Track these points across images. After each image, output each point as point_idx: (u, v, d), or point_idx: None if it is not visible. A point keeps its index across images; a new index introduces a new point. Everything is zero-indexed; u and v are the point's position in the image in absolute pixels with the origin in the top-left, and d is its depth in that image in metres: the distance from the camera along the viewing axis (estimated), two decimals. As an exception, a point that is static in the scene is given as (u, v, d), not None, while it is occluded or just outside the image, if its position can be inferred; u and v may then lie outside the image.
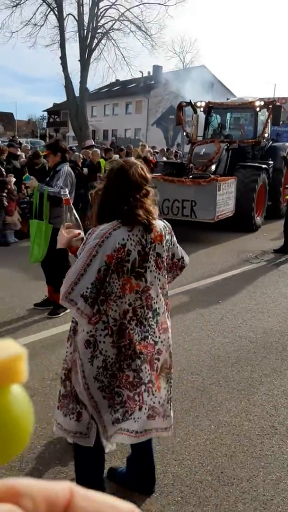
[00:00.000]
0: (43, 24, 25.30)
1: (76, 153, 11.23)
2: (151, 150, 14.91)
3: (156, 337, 2.26)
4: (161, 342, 2.30)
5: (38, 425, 3.15)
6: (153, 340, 2.24)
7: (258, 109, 11.64)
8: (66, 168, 5.09)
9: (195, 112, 12.12)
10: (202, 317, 5.30)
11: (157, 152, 16.08)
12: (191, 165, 11.11)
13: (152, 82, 45.58)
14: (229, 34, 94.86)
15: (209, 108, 12.46)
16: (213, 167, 10.71)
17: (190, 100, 12.26)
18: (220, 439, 3.09)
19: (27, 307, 5.40)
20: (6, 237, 8.94)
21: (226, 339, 4.73)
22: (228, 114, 12.94)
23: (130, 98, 47.66)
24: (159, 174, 10.56)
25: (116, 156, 12.74)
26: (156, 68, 48.47)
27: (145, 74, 47.19)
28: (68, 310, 5.36)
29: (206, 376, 3.93)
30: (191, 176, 10.05)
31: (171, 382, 2.40)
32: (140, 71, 41.38)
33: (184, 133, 12.57)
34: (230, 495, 2.59)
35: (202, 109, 12.31)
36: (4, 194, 8.78)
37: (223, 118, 12.82)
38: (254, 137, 11.83)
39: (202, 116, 12.57)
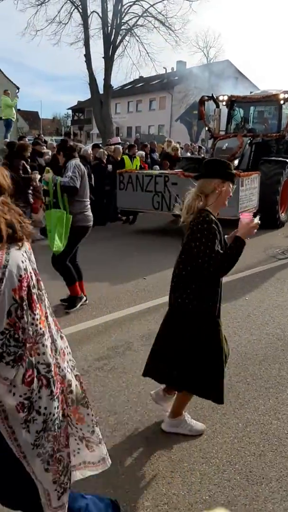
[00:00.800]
0: (67, 22, 25.47)
1: (101, 150, 11.25)
2: (177, 145, 14.82)
3: (63, 368, 1.74)
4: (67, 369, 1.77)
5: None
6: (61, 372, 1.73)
7: (282, 102, 11.34)
8: (74, 161, 5.18)
9: (217, 106, 11.96)
10: (229, 314, 5.23)
11: (181, 148, 15.97)
12: None
13: (176, 78, 45.33)
14: (253, 27, 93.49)
15: (232, 102, 12.24)
16: (236, 162, 10.52)
17: (212, 94, 12.08)
18: (248, 437, 3.04)
19: (53, 303, 5.43)
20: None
21: (253, 336, 4.65)
22: (252, 108, 12.68)
23: (154, 95, 47.52)
24: (180, 170, 10.47)
25: (142, 153, 12.71)
26: (180, 64, 48.23)
27: (169, 70, 46.93)
28: (84, 300, 5.39)
29: (233, 374, 3.87)
30: None
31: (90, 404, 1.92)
32: (164, 67, 41.10)
33: (207, 128, 12.41)
34: (259, 495, 2.54)
35: (224, 103, 12.10)
36: (30, 191, 8.85)
37: (246, 112, 12.56)
38: (278, 131, 11.54)
39: (224, 111, 12.39)
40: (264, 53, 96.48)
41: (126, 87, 50.62)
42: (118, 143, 13.45)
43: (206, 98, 11.96)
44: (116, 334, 4.63)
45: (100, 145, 13.67)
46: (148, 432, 3.07)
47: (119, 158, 11.17)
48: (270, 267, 7.23)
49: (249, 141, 10.84)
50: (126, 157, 10.94)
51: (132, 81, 46.46)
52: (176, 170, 10.76)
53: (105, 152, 10.98)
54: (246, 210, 8.91)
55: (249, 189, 9.19)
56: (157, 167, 13.00)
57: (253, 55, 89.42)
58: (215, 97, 11.87)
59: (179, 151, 14.71)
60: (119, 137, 17.15)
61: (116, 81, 62.56)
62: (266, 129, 12.07)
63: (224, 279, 6.50)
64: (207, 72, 41.87)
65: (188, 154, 15.14)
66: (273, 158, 10.83)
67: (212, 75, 42.30)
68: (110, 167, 10.89)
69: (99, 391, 3.56)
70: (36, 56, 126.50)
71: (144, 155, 12.85)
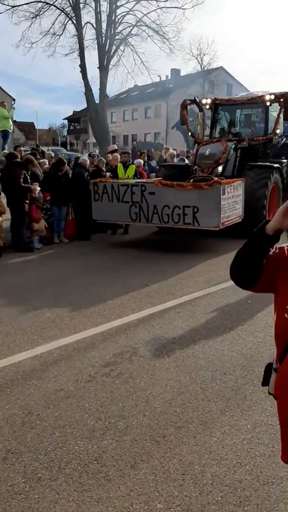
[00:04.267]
0: (62, 34, 25.74)
1: (101, 158, 11.32)
2: (174, 152, 14.87)
3: None
4: None
5: (74, 427, 3.17)
6: None
7: (268, 103, 10.62)
8: None
9: (201, 110, 11.22)
10: (232, 318, 5.26)
11: (177, 154, 16.05)
12: (195, 167, 10.23)
13: (171, 85, 45.64)
14: (246, 34, 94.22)
15: (216, 105, 11.51)
16: (220, 168, 9.89)
17: (195, 97, 11.39)
18: (257, 438, 3.05)
19: (57, 311, 5.45)
20: (32, 243, 9.07)
21: (257, 338, 4.67)
22: (238, 111, 11.94)
23: (149, 103, 47.83)
24: (159, 178, 9.89)
25: (140, 161, 12.76)
26: (174, 72, 48.57)
27: (163, 78, 47.27)
28: None
29: (240, 376, 3.89)
30: (192, 180, 9.14)
31: None
32: (158, 75, 41.43)
33: (189, 134, 11.68)
34: (270, 495, 2.55)
35: (208, 106, 11.37)
36: (27, 201, 8.88)
37: (232, 115, 11.88)
38: (265, 134, 10.88)
39: (210, 115, 11.71)
40: (258, 58, 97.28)
41: (122, 96, 50.91)
42: (115, 150, 13.51)
43: (189, 102, 11.32)
44: (121, 340, 4.65)
45: (93, 153, 13.80)
46: (157, 435, 3.09)
47: (103, 168, 10.94)
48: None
49: (233, 145, 10.17)
50: (120, 165, 10.69)
51: (127, 89, 46.81)
52: (154, 179, 10.17)
53: (103, 160, 11.01)
54: (229, 220, 8.42)
55: (232, 197, 8.48)
56: (154, 174, 12.98)
57: (247, 61, 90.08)
58: (198, 100, 11.21)
59: (175, 158, 14.76)
60: (115, 145, 17.27)
61: (112, 90, 62.89)
62: (253, 132, 11.34)
63: (227, 283, 6.57)
64: (201, 79, 42.21)
65: (186, 161, 15.17)
66: (259, 163, 10.24)
67: (206, 82, 42.64)
68: (108, 174, 10.93)
69: (107, 396, 3.57)
70: (31, 67, 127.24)
71: (142, 163, 12.92)
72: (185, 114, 11.33)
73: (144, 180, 9.64)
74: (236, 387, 3.71)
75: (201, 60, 44.20)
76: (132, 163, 11.23)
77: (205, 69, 43.83)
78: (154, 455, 2.89)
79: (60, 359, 4.24)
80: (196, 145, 11.03)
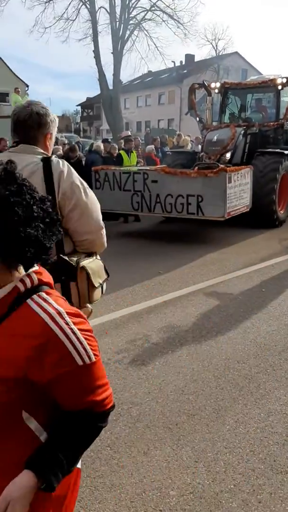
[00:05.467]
0: (75, 19, 25.53)
1: (114, 145, 11.25)
2: (188, 138, 14.71)
3: None
4: None
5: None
6: None
7: (280, 87, 10.14)
8: None
9: (209, 94, 10.82)
10: (246, 306, 5.22)
11: (192, 141, 15.91)
12: (202, 154, 9.93)
13: (185, 71, 45.10)
14: (262, 18, 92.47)
15: (225, 90, 11.04)
16: (228, 155, 9.57)
17: (203, 81, 10.99)
18: (271, 427, 3.04)
19: (70, 298, 5.47)
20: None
21: (271, 327, 4.64)
22: (248, 96, 11.50)
23: (163, 89, 47.35)
24: (164, 165, 9.56)
25: (152, 147, 12.68)
26: (189, 57, 47.96)
27: (177, 64, 46.72)
28: None
29: (253, 365, 3.87)
30: (196, 167, 8.73)
31: None
32: (172, 61, 40.94)
33: (197, 119, 11.17)
34: (284, 484, 2.54)
35: (217, 90, 10.95)
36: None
37: (242, 100, 11.45)
38: (277, 119, 10.38)
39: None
40: (274, 43, 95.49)
41: (135, 82, 50.48)
42: (129, 137, 13.43)
43: (197, 86, 10.95)
44: (134, 328, 4.65)
45: (110, 139, 13.66)
46: (170, 422, 3.09)
47: (115, 154, 10.73)
48: (285, 259, 7.18)
49: (242, 131, 9.74)
50: (123, 152, 10.48)
51: (141, 75, 46.39)
52: (157, 166, 9.74)
53: (115, 146, 10.92)
54: (236, 210, 8.05)
55: (239, 185, 8.08)
56: None
57: (263, 46, 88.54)
58: (207, 84, 10.80)
59: (189, 145, 14.63)
60: (129, 131, 17.18)
61: (125, 76, 62.35)
62: (263, 118, 10.88)
63: (241, 271, 6.52)
64: (216, 64, 41.63)
65: (199, 147, 15.02)
66: (269, 150, 9.75)
67: (221, 67, 42.03)
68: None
69: (120, 383, 3.58)
70: (44, 53, 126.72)
71: (154, 149, 12.83)
72: (193, 98, 11.00)
73: (147, 168, 9.27)
74: (250, 376, 3.69)
75: (216, 45, 43.62)
76: (136, 150, 11.06)
77: (220, 54, 43.23)
78: (167, 442, 2.89)
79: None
80: (204, 131, 10.66)
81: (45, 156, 2.09)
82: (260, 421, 3.11)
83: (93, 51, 24.64)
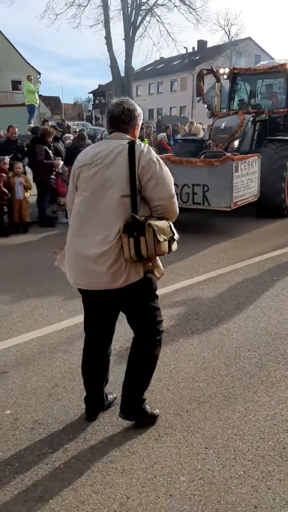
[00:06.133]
0: (87, 4, 25.29)
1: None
2: (200, 126, 14.58)
3: None
4: None
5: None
6: None
7: None
8: None
9: (218, 80, 10.53)
10: (257, 294, 5.21)
11: (204, 128, 15.78)
12: (210, 141, 9.68)
13: (197, 57, 44.57)
14: (276, 3, 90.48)
15: (234, 75, 10.75)
16: (236, 143, 9.34)
17: (212, 67, 10.73)
18: (281, 415, 3.06)
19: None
20: (58, 218, 9.17)
21: (282, 316, 4.63)
22: (258, 81, 11.17)
23: (175, 75, 46.92)
24: (170, 154, 9.34)
25: (163, 135, 12.60)
26: (201, 43, 47.35)
27: (190, 50, 46.18)
28: None
29: (264, 353, 3.88)
30: (202, 155, 8.44)
31: None
32: (185, 47, 40.50)
33: (205, 106, 10.86)
34: (293, 471, 2.56)
35: (226, 76, 10.67)
36: (52, 177, 8.91)
37: (252, 86, 11.12)
38: (287, 106, 10.12)
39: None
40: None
41: (147, 69, 50.06)
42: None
43: (205, 71, 10.69)
44: (145, 316, 4.67)
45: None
46: (181, 409, 3.12)
47: None
48: (298, 247, 7.14)
49: (251, 118, 9.51)
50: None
51: (153, 62, 45.95)
52: (162, 155, 9.65)
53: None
54: (243, 200, 7.85)
55: (246, 174, 7.87)
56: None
57: (277, 32, 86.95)
58: (215, 70, 10.53)
59: (201, 133, 14.51)
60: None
61: (137, 63, 61.83)
62: (274, 104, 10.58)
63: (252, 260, 6.50)
64: (228, 50, 41.05)
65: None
66: (278, 137, 9.46)
67: (234, 53, 41.45)
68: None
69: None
70: (56, 40, 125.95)
71: (165, 136, 12.75)
72: (201, 84, 10.71)
73: None
74: (260, 364, 3.71)
75: (229, 31, 43.04)
76: (148, 138, 10.94)
77: (233, 40, 42.61)
78: (178, 429, 2.93)
79: (85, 333, 4.29)
80: (212, 118, 10.39)
81: (130, 140, 2.64)
82: (270, 408, 3.13)
83: (105, 37, 24.47)
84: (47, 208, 9.12)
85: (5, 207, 8.41)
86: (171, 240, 2.66)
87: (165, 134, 12.71)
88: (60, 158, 9.30)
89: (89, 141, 10.64)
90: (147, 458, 2.67)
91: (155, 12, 26.13)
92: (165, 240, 2.60)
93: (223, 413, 3.08)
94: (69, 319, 4.61)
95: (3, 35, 39.55)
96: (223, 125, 9.53)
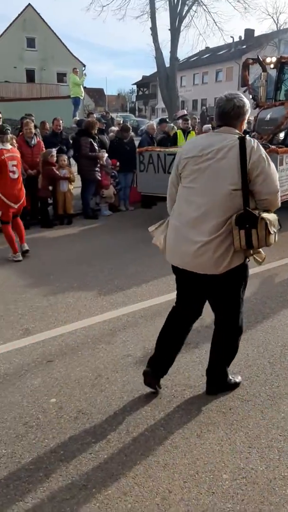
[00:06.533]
0: (133, -5, 25.12)
1: (170, 124, 11.08)
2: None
3: None
4: None
5: (142, 392, 3.25)
6: None
7: None
8: None
9: (264, 70, 10.13)
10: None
11: (249, 121, 15.44)
12: (254, 133, 9.36)
13: (244, 46, 43.63)
14: None
15: (282, 64, 10.27)
16: (282, 134, 9.00)
17: (258, 56, 10.35)
18: None
19: (125, 279, 5.55)
20: (101, 210, 9.24)
21: None
22: None
23: (220, 65, 46.16)
24: None
25: (208, 126, 12.44)
26: (248, 32, 46.30)
27: (236, 39, 45.25)
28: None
29: (310, 353, 3.78)
30: None
31: None
32: (231, 36, 39.71)
33: (250, 96, 10.41)
34: None
35: (272, 65, 10.23)
36: (97, 169, 8.97)
37: None
38: None
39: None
40: None
41: (192, 59, 49.46)
42: (185, 115, 13.16)
43: (251, 61, 10.29)
44: (188, 310, 4.64)
45: (167, 119, 13.46)
46: (223, 407, 3.10)
47: (171, 134, 10.40)
48: None
49: None
50: (179, 132, 10.23)
51: (198, 52, 45.38)
52: None
53: (175, 127, 10.69)
54: (286, 195, 7.31)
55: None
56: None
57: None
58: (262, 59, 10.11)
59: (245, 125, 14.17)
60: (185, 110, 16.89)
61: (182, 53, 61.22)
62: None
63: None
64: (277, 39, 39.93)
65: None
66: None
67: (282, 42, 40.28)
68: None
69: (173, 365, 3.59)
70: (100, 32, 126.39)
71: (211, 128, 12.55)
72: (246, 74, 10.42)
73: None
74: (306, 364, 3.62)
75: (277, 19, 41.95)
76: (192, 130, 10.75)
77: (281, 28, 41.36)
78: (220, 426, 2.91)
79: (128, 325, 4.33)
80: (257, 109, 10.05)
81: (240, 135, 2.76)
82: (316, 410, 3.05)
83: (150, 28, 24.32)
84: (90, 200, 9.21)
85: (49, 199, 8.55)
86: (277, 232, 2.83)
87: (210, 125, 12.51)
88: (104, 150, 9.35)
89: (133, 133, 10.62)
90: (189, 454, 2.67)
91: (201, 1, 25.76)
92: (275, 232, 2.78)
93: (267, 413, 3.03)
94: (111, 311, 4.66)
95: (50, 28, 40.11)
96: (268, 116, 9.30)
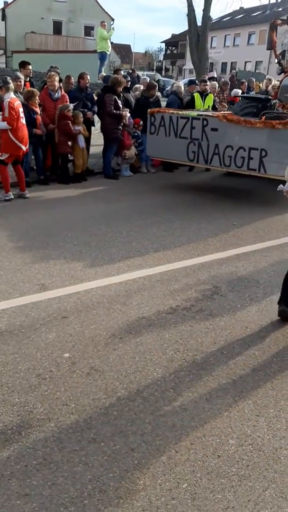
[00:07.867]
0: None
1: (198, 86, 10.73)
2: (277, 84, 13.78)
3: None
4: None
5: (154, 354, 3.29)
6: None
7: None
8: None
9: None
10: None
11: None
12: (275, 101, 8.81)
13: (280, 9, 41.71)
14: None
15: None
16: None
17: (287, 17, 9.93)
18: None
19: (142, 241, 5.54)
20: (121, 171, 9.12)
21: None
22: None
23: (254, 28, 44.37)
24: (229, 112, 8.65)
25: (238, 91, 12.06)
26: (286, -7, 44.06)
27: (273, 1, 43.23)
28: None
29: None
30: (264, 116, 7.60)
31: None
32: (268, -3, 37.91)
33: (276, 61, 9.88)
34: None
35: None
36: (120, 127, 8.78)
37: None
38: None
39: None
40: None
41: (224, 19, 47.56)
42: (213, 77, 12.72)
43: (280, 22, 9.73)
44: (204, 278, 4.65)
45: (196, 81, 13.04)
46: (234, 374, 3.13)
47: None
48: None
49: None
50: (197, 95, 9.85)
51: (232, 12, 43.62)
52: (220, 113, 8.58)
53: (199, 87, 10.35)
54: None
55: None
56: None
57: None
58: None
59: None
60: (214, 72, 16.37)
61: (215, 12, 58.80)
62: None
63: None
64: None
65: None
66: None
67: None
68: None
69: (187, 330, 3.64)
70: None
71: (240, 93, 12.16)
72: (273, 36, 9.67)
73: (208, 113, 8.10)
74: None
75: None
76: (210, 92, 10.28)
77: None
78: (230, 393, 2.94)
79: (143, 288, 4.35)
80: (282, 74, 9.43)
81: None
82: None
83: (184, -17, 23.24)
84: (111, 160, 9.08)
85: (69, 155, 8.43)
86: None
87: (239, 90, 12.12)
88: (128, 110, 9.10)
89: (159, 93, 10.32)
90: (197, 417, 2.71)
91: None
92: None
93: (277, 384, 3.05)
94: (127, 273, 4.67)
95: (80, -23, 38.63)
96: None
